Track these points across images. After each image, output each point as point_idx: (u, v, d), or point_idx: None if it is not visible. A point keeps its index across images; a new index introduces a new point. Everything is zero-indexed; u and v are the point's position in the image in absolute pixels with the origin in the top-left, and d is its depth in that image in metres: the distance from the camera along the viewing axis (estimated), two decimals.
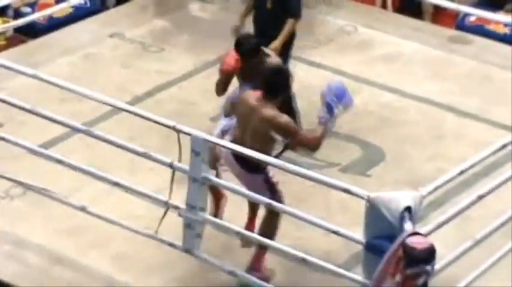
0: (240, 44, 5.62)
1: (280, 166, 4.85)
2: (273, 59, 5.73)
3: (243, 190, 5.08)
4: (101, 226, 5.49)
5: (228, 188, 5.09)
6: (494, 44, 7.74)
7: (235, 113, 5.30)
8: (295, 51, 7.52)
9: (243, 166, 5.10)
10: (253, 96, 5.14)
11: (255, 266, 5.23)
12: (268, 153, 5.04)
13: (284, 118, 5.06)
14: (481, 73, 7.37)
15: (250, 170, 5.10)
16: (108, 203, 5.73)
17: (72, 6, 7.80)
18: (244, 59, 5.60)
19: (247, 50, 5.59)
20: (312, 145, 5.12)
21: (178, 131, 5.02)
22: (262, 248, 5.22)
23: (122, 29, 7.72)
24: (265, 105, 5.06)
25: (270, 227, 5.20)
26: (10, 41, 7.76)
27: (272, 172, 5.15)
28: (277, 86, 5.13)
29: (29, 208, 5.84)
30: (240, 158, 5.06)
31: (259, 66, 5.54)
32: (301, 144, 5.13)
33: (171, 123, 5.08)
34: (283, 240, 5.30)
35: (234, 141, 5.11)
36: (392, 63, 7.53)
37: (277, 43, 6.36)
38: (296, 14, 6.47)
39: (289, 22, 6.41)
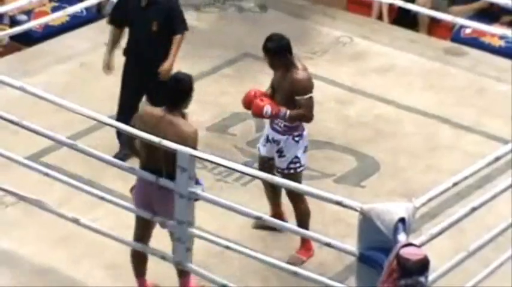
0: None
1: (271, 180, 4.84)
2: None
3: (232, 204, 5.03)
4: (94, 236, 5.47)
5: (217, 203, 5.03)
6: (489, 57, 7.75)
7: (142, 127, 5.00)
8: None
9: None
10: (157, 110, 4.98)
11: None
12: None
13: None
14: (476, 85, 7.38)
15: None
16: (100, 212, 5.71)
17: (68, 15, 7.80)
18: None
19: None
20: None
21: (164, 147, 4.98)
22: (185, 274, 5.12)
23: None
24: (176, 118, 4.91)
25: None
26: (6, 48, 7.75)
27: None
28: (179, 96, 4.96)
29: (22, 215, 5.82)
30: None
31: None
32: None
33: (156, 139, 5.01)
34: (276, 252, 5.30)
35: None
36: (388, 74, 7.53)
37: (169, 63, 6.05)
38: (184, 28, 6.18)
39: (178, 39, 6.08)
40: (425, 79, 7.47)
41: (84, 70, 7.30)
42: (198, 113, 6.87)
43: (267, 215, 5.00)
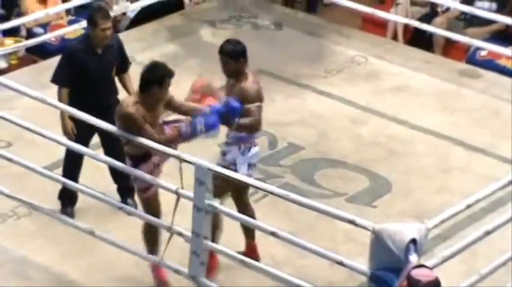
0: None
1: (285, 196, 4.85)
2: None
3: (246, 218, 5.06)
4: (107, 248, 5.49)
5: (233, 217, 5.07)
6: (504, 79, 7.75)
7: None
8: (305, 80, 7.57)
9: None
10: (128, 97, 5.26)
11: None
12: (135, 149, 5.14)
13: (129, 110, 5.07)
14: (490, 107, 7.37)
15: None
16: (114, 225, 5.74)
17: (84, 28, 7.83)
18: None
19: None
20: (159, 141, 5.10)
21: (182, 161, 5.02)
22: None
23: (132, 53, 7.71)
24: (128, 103, 5.12)
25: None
26: (22, 60, 7.80)
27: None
28: (149, 81, 5.08)
29: (35, 227, 5.85)
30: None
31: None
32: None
33: (175, 152, 5.08)
34: (287, 268, 5.30)
35: None
36: (402, 94, 7.54)
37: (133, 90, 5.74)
38: (129, 63, 6.02)
39: (128, 75, 5.93)
40: (439, 100, 7.48)
41: None
42: None
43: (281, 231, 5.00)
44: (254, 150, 5.42)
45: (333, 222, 5.32)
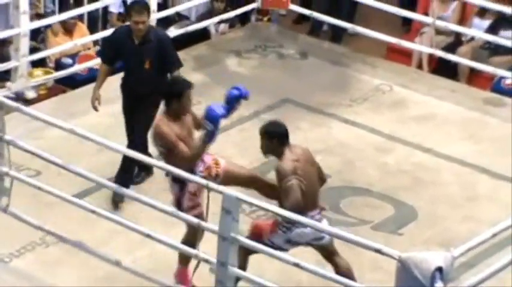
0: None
1: (312, 225, 4.89)
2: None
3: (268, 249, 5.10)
4: (134, 276, 5.53)
5: (258, 249, 5.10)
6: None
7: None
8: (330, 108, 7.61)
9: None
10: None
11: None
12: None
13: (160, 129, 5.40)
14: None
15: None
16: (142, 252, 5.79)
17: None
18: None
19: None
20: (187, 158, 5.34)
21: (210, 190, 5.09)
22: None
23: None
24: (157, 122, 5.46)
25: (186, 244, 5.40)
26: (51, 90, 7.89)
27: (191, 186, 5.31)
28: (169, 95, 5.46)
29: (63, 255, 5.90)
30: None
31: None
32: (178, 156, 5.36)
33: (204, 181, 5.15)
34: None
35: None
36: (427, 123, 7.56)
37: None
38: (179, 63, 6.30)
39: (175, 74, 6.19)
40: (464, 128, 7.50)
41: None
42: (237, 158, 6.96)
43: (304, 263, 5.03)
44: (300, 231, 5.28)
45: (359, 250, 5.33)
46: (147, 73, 6.26)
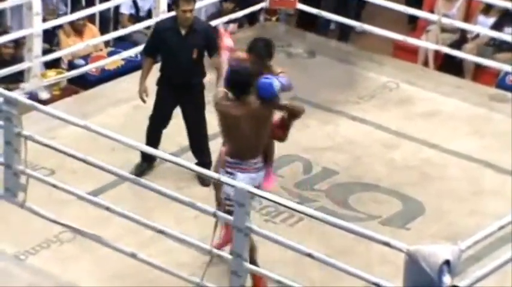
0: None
1: (322, 218, 4.99)
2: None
3: (284, 240, 5.21)
4: (147, 272, 5.63)
5: (271, 239, 5.22)
6: None
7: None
8: (338, 106, 7.68)
9: None
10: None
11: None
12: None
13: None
14: None
15: None
16: (154, 250, 5.88)
17: (123, 59, 8.06)
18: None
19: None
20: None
21: (221, 183, 5.19)
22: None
23: None
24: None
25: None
26: (64, 91, 7.99)
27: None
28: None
29: (78, 252, 6.01)
30: None
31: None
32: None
33: (216, 175, 5.26)
34: None
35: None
36: (433, 119, 7.64)
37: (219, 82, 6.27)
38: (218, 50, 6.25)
39: (217, 58, 6.16)
40: (470, 124, 7.57)
41: (138, 113, 7.53)
42: None
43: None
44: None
45: (368, 245, 5.44)
46: (195, 63, 6.42)
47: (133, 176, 5.75)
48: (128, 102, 7.53)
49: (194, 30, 6.39)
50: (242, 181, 5.35)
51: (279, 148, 7.03)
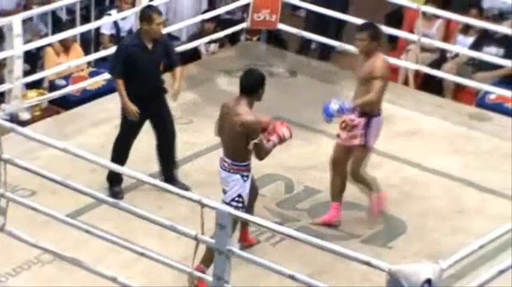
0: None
1: (302, 239, 5.00)
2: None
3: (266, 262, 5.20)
4: None
5: (252, 261, 5.20)
6: None
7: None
8: (320, 125, 7.70)
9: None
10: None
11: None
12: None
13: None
14: (500, 150, 7.51)
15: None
16: (135, 270, 5.87)
17: (105, 79, 8.06)
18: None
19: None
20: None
21: (204, 205, 5.20)
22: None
23: None
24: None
25: None
26: (45, 111, 7.96)
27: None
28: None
29: (59, 273, 5.97)
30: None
31: None
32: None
33: (196, 197, 5.27)
34: None
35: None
36: (414, 138, 7.68)
37: (179, 85, 6.74)
38: (179, 58, 6.84)
39: (180, 69, 6.77)
40: (450, 143, 7.61)
41: None
42: None
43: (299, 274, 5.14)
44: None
45: (350, 264, 5.44)
46: (160, 74, 6.70)
47: (112, 200, 5.75)
48: (109, 122, 7.53)
49: (158, 43, 6.59)
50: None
51: (261, 167, 7.07)
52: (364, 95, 6.31)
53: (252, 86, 5.83)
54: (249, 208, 5.92)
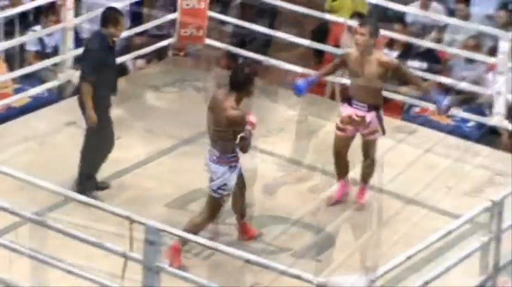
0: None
1: (231, 253, 5.00)
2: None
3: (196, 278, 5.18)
4: None
5: (181, 277, 5.18)
6: (437, 134, 8.03)
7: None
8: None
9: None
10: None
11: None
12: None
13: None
14: (425, 161, 7.63)
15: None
16: None
17: (30, 96, 7.96)
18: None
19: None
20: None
21: (133, 221, 5.16)
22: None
23: (78, 118, 7.86)
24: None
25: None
26: None
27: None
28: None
29: None
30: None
31: None
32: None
33: (125, 213, 5.23)
34: None
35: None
36: None
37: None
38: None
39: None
40: (379, 155, 7.69)
41: (45, 150, 7.44)
42: (157, 190, 7.04)
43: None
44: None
45: (279, 277, 5.45)
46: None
47: (36, 217, 5.67)
48: (35, 140, 7.44)
49: (115, 44, 6.87)
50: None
51: (190, 184, 7.06)
52: (377, 90, 6.76)
53: (240, 82, 6.03)
54: (239, 197, 6.24)
